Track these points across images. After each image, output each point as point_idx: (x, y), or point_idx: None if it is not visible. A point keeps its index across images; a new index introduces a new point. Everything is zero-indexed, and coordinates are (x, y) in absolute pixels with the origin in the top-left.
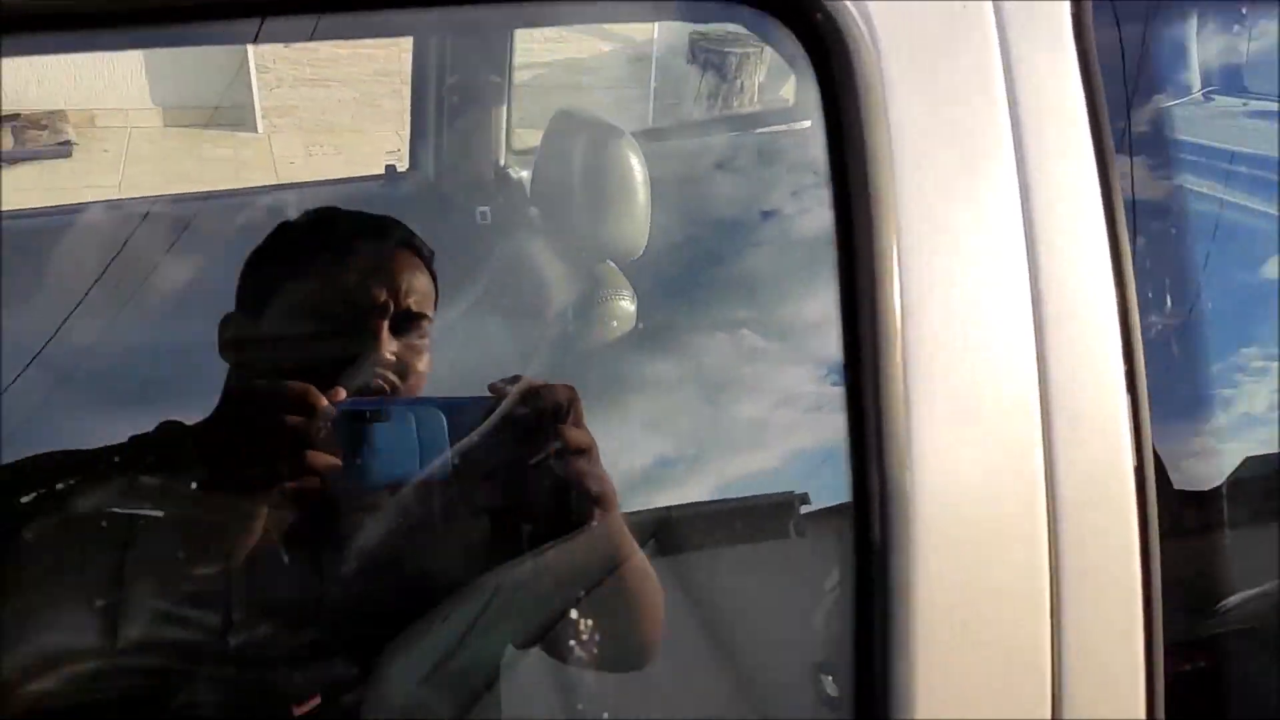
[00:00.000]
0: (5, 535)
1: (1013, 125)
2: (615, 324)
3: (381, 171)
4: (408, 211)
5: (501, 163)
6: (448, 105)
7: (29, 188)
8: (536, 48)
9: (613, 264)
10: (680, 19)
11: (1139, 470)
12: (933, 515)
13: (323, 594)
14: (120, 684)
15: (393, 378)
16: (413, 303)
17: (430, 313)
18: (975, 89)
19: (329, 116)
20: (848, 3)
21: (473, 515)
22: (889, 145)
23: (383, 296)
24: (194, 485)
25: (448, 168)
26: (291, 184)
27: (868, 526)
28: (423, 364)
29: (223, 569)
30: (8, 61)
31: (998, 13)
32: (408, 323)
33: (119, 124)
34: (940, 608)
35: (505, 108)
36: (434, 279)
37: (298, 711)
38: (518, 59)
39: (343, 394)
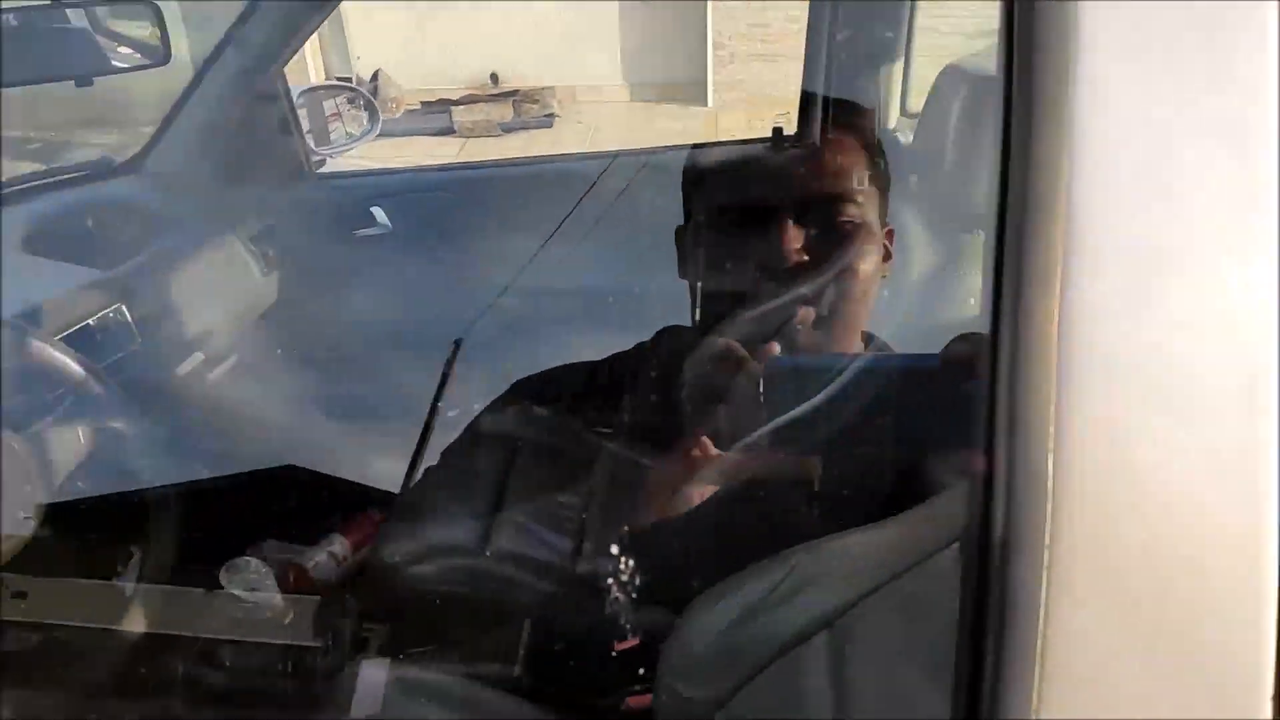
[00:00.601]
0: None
1: None
2: (973, 301)
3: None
4: (781, 176)
5: (891, 126)
6: (836, 65)
7: (515, 153)
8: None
9: (982, 236)
10: None
11: None
12: (1084, 513)
13: (668, 542)
14: (480, 584)
15: (818, 278)
16: (822, 186)
17: (853, 189)
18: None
19: (773, 90)
20: None
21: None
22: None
23: (776, 187)
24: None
25: (831, 131)
26: (681, 145)
27: (988, 518)
28: (863, 259)
29: (585, 502)
30: (517, 40)
31: None
32: (819, 207)
33: (593, 99)
34: (1084, 634)
35: (901, 66)
36: (871, 149)
37: (617, 647)
38: (975, 25)
39: (776, 349)
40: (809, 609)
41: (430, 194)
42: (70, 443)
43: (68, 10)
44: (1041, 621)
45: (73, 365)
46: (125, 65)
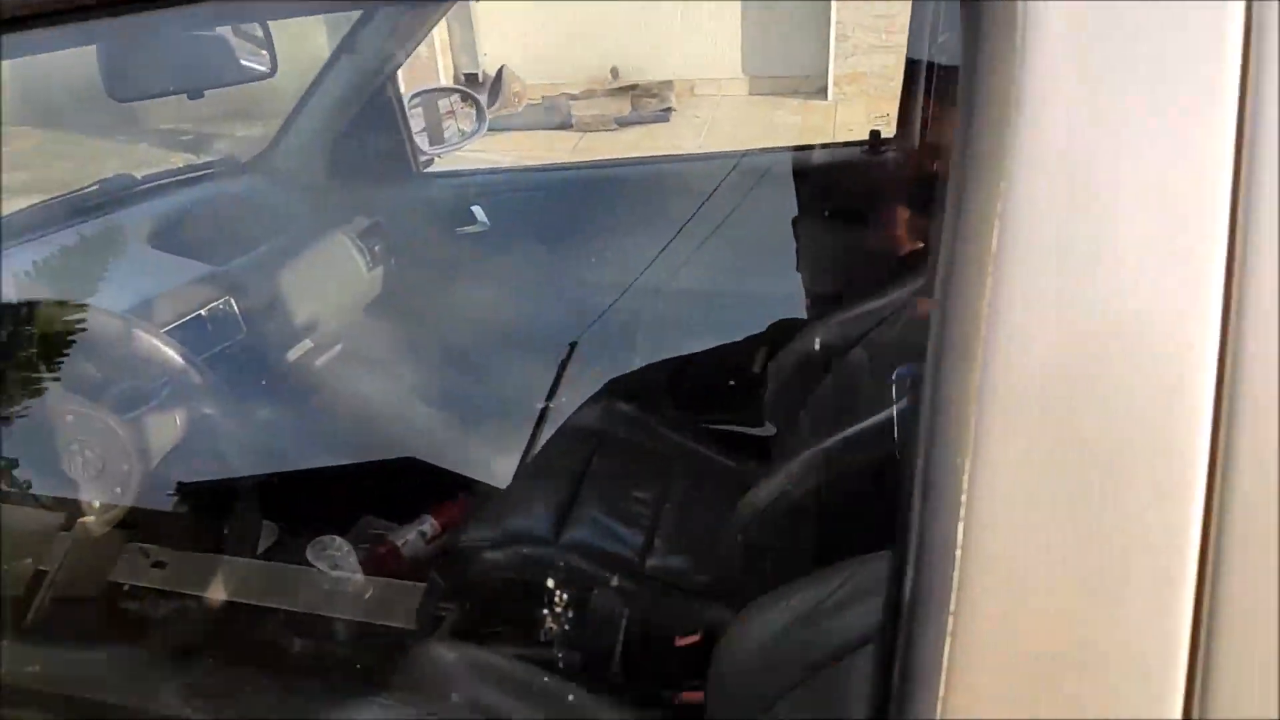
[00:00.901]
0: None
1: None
2: None
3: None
4: (878, 178)
5: None
6: (936, 66)
7: (630, 149)
8: None
9: None
10: None
11: None
12: (992, 583)
13: (737, 542)
14: (550, 573)
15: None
16: (926, 170)
17: None
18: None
19: (896, 83)
20: None
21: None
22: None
23: (881, 178)
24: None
25: (930, 134)
26: (779, 148)
27: (900, 578)
28: None
29: (658, 499)
30: (639, 34)
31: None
32: (930, 190)
33: (712, 93)
34: (982, 705)
35: None
36: None
37: (679, 643)
38: None
39: None
40: (858, 621)
41: (526, 194)
42: (167, 427)
43: None
44: (942, 689)
45: (173, 356)
46: (240, 78)
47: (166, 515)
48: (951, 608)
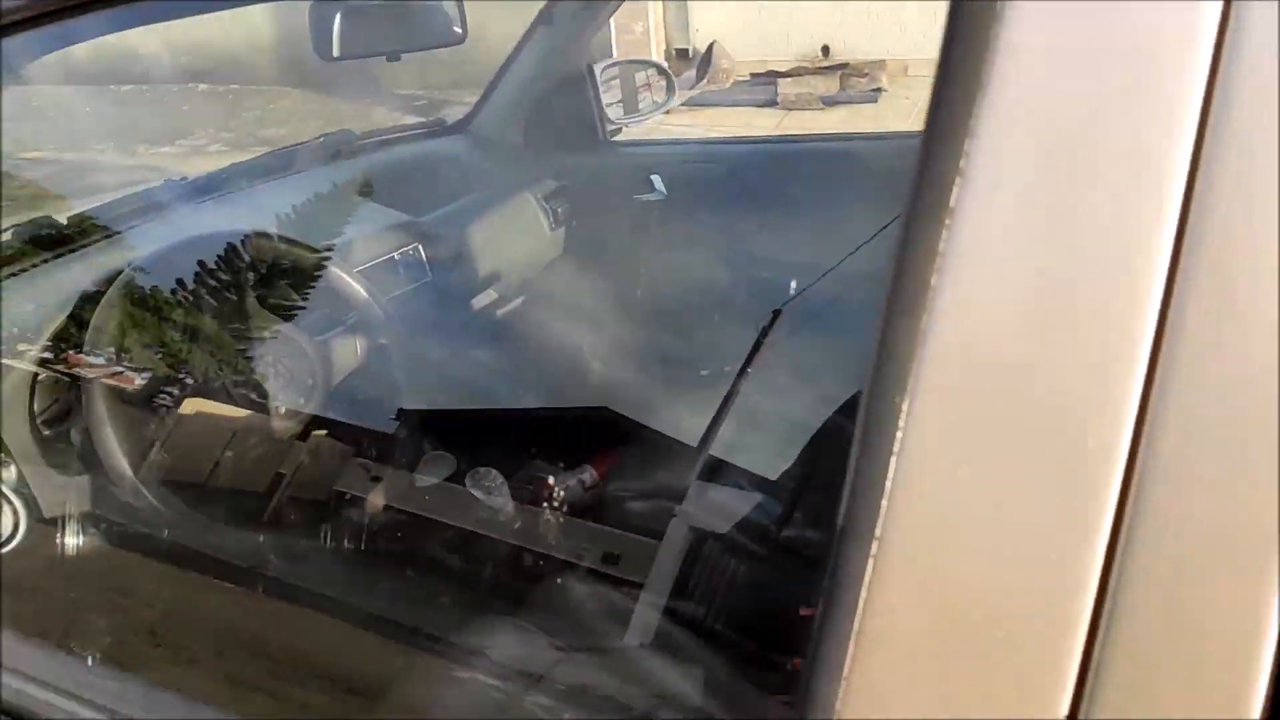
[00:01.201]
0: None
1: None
2: None
3: None
4: None
5: None
6: None
7: (835, 127)
8: None
9: None
10: None
11: None
12: (916, 513)
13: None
14: (685, 529)
15: None
16: None
17: None
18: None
19: None
20: None
21: None
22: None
23: None
24: None
25: None
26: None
27: (837, 518)
28: None
29: (804, 474)
30: (853, 11)
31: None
32: None
33: (926, 74)
34: (898, 623)
35: None
36: None
37: (803, 613)
38: None
39: None
40: None
41: (704, 165)
42: (349, 352)
43: None
44: (860, 606)
45: (360, 291)
46: (435, 42)
47: (368, 433)
48: (877, 533)
